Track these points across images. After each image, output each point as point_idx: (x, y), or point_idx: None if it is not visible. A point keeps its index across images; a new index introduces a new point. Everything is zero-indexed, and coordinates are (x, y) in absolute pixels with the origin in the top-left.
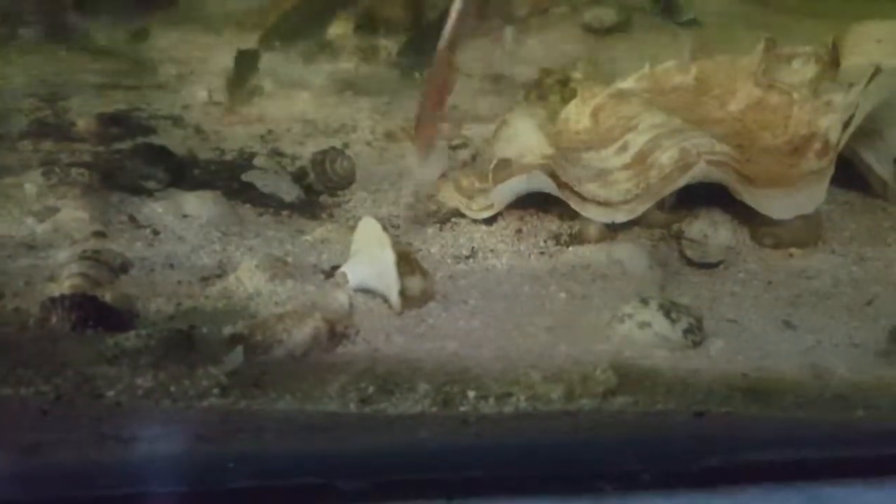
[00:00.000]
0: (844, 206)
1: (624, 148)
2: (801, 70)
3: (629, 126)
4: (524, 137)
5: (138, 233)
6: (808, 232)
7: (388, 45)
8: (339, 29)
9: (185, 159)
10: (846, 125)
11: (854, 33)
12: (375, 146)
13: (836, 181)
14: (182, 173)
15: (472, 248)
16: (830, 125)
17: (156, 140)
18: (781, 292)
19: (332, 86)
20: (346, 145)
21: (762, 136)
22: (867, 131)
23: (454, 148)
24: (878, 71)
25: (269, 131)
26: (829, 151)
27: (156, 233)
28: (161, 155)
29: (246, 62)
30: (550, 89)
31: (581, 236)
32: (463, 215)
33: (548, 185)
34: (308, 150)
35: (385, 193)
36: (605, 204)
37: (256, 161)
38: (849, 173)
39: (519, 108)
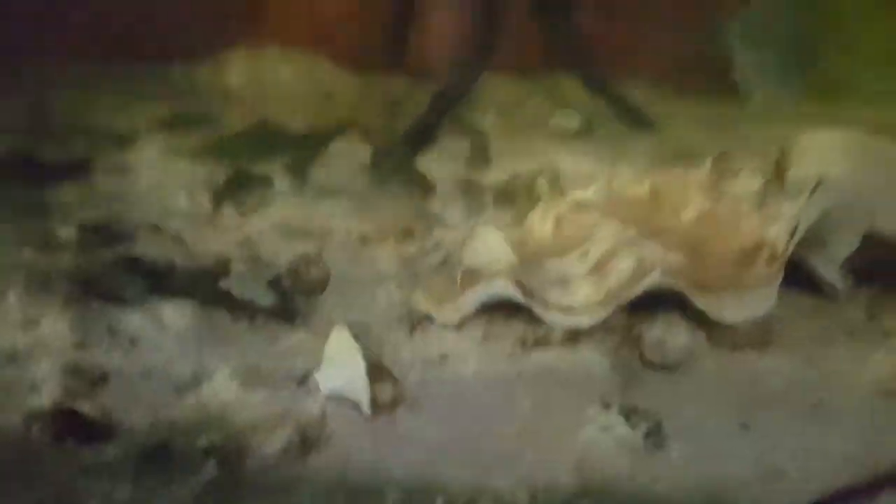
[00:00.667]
0: (795, 308)
1: (584, 256)
2: (749, 181)
3: (589, 235)
4: (491, 246)
5: (117, 343)
6: (761, 334)
7: (364, 150)
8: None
9: (164, 267)
10: (792, 234)
11: (800, 144)
12: (350, 250)
13: (787, 284)
14: (161, 282)
15: (442, 353)
16: (777, 234)
17: (135, 248)
18: (737, 394)
19: (309, 190)
20: (320, 250)
21: (714, 244)
22: (813, 238)
23: (425, 252)
24: (819, 183)
25: (247, 237)
26: (777, 259)
27: (133, 343)
28: (140, 264)
29: (256, 184)
30: (518, 194)
31: (546, 341)
32: (434, 320)
33: (513, 292)
34: (284, 255)
35: (358, 297)
36: (567, 310)
37: (234, 267)
38: (799, 277)
39: (487, 215)
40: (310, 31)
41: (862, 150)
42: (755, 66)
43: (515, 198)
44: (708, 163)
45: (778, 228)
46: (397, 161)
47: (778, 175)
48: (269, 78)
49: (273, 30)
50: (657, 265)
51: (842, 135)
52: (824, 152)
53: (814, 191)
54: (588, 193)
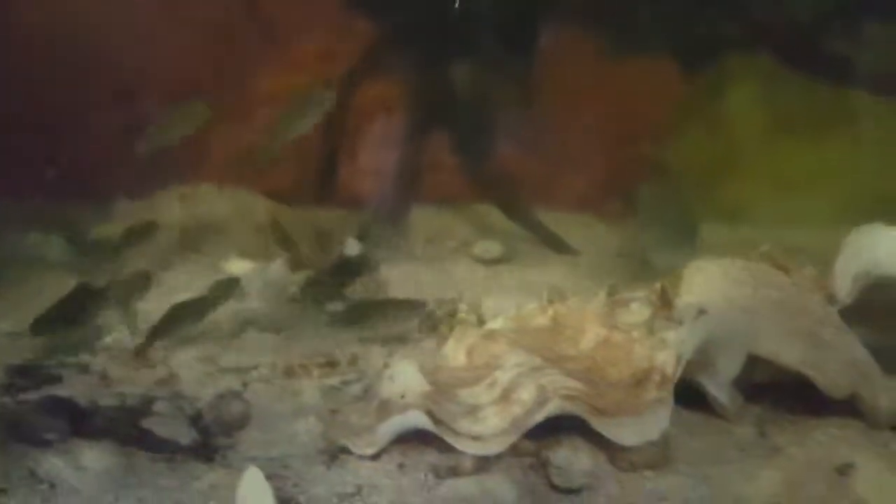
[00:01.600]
0: (690, 427)
1: (492, 385)
2: (639, 311)
3: (497, 364)
4: (406, 377)
5: (37, 487)
6: (657, 455)
7: (293, 280)
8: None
9: (88, 408)
10: (678, 359)
11: (686, 274)
12: (274, 384)
13: (683, 403)
14: (84, 422)
15: (358, 485)
16: (666, 360)
17: (61, 389)
18: None
19: (235, 323)
20: (244, 385)
21: (610, 370)
22: (702, 361)
23: (346, 383)
24: (701, 311)
25: (172, 374)
26: (667, 383)
27: (52, 486)
28: (64, 405)
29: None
30: (440, 321)
31: (458, 469)
32: (351, 451)
33: (425, 423)
34: (208, 391)
35: (279, 432)
36: (477, 438)
37: (156, 405)
38: (692, 397)
39: (412, 341)
40: (246, 170)
41: (742, 277)
42: (651, 238)
43: (438, 324)
44: (601, 294)
45: (666, 355)
46: (326, 291)
47: (665, 303)
48: (203, 213)
49: (210, 169)
50: (558, 392)
51: (725, 262)
52: (708, 280)
53: (696, 318)
54: (497, 323)
